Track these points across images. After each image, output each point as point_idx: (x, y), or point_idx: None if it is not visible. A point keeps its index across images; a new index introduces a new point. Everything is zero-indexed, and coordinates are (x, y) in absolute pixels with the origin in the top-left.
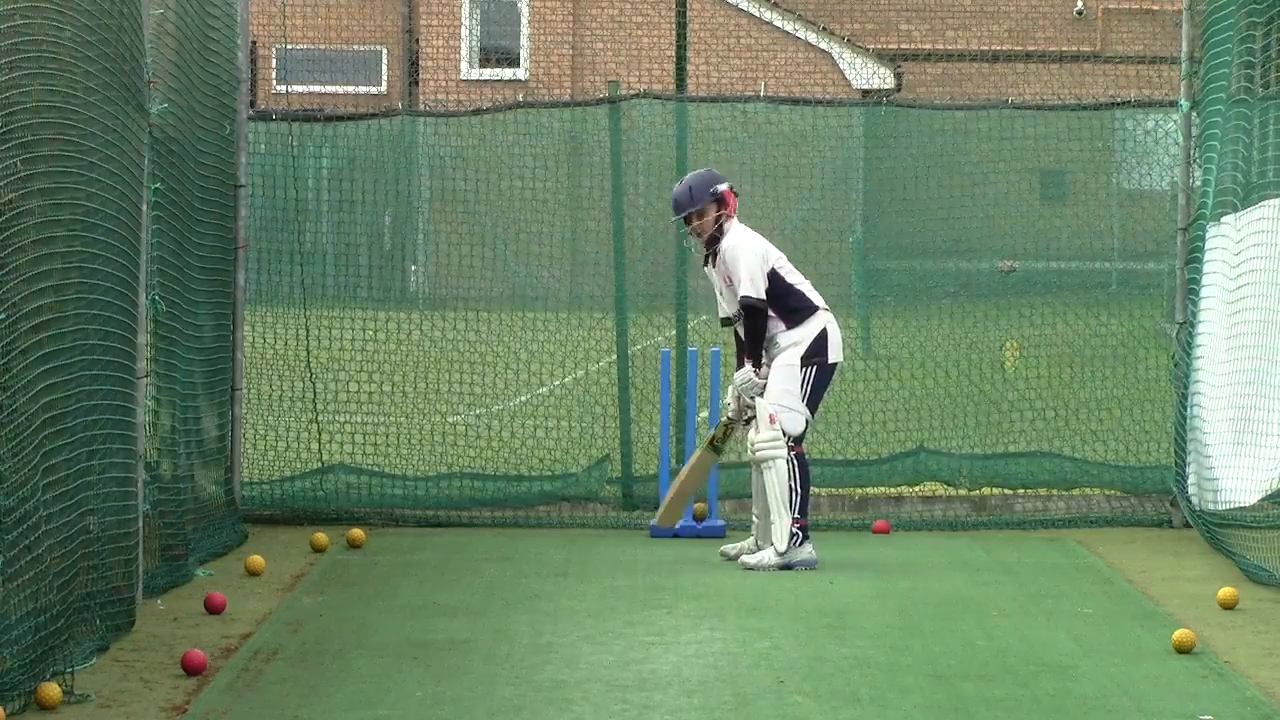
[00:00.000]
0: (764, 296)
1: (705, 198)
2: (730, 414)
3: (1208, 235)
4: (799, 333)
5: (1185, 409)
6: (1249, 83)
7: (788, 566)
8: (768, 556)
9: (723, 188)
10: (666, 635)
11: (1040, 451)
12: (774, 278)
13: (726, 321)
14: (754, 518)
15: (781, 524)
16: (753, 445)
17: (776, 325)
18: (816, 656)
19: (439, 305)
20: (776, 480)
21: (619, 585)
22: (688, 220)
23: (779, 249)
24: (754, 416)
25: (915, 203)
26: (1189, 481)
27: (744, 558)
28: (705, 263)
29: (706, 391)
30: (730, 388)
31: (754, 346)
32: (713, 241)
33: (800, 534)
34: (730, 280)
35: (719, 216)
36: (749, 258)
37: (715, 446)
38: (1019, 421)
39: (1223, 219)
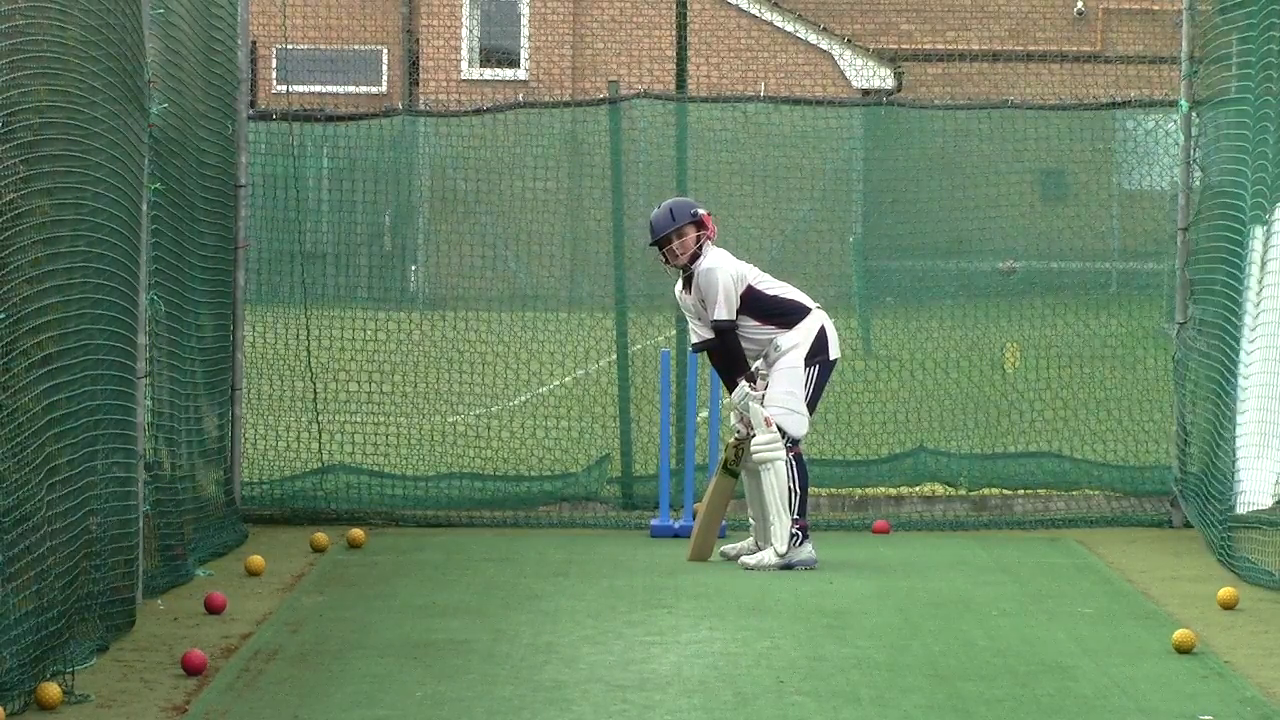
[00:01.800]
0: (733, 318)
1: (686, 218)
2: (738, 434)
3: (1250, 235)
4: (798, 334)
5: (1185, 409)
6: (1270, 81)
7: (788, 567)
8: (768, 557)
9: (702, 211)
10: (666, 635)
11: (1040, 451)
12: (752, 295)
13: (698, 348)
14: (750, 519)
15: (782, 525)
16: (752, 447)
17: (773, 331)
18: (816, 656)
19: (439, 305)
20: (776, 482)
21: (619, 585)
22: (664, 243)
23: (779, 249)
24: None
25: (915, 203)
26: (1239, 485)
27: (744, 558)
28: (681, 287)
29: (706, 391)
30: (732, 411)
31: (736, 364)
32: (690, 264)
33: (800, 534)
34: (704, 302)
35: (699, 238)
36: (725, 280)
37: (730, 470)
38: (1019, 421)
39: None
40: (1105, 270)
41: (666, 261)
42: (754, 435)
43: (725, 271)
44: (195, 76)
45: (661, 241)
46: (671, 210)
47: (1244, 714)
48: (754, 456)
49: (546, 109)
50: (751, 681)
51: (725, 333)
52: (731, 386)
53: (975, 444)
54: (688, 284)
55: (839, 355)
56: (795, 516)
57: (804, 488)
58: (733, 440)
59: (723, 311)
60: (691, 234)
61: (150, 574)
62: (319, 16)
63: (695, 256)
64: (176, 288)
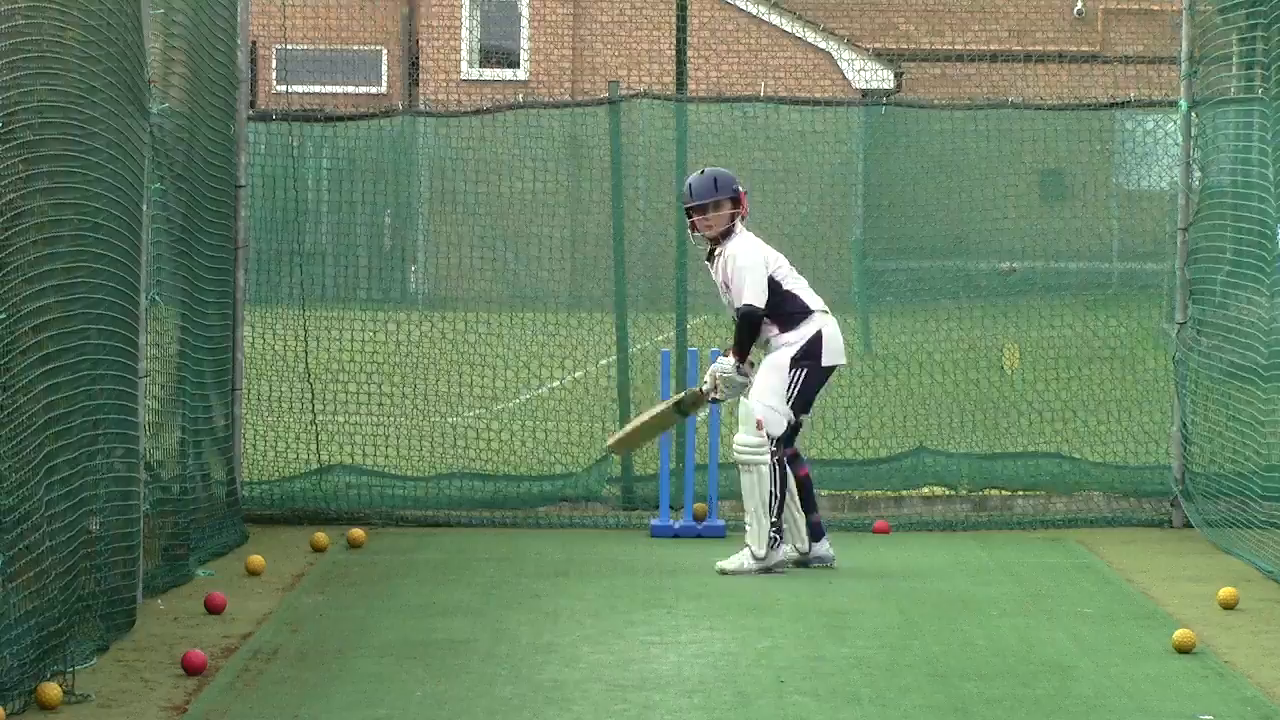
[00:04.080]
0: (763, 305)
1: (728, 191)
2: (705, 388)
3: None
4: (793, 335)
5: (1186, 408)
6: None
7: (768, 570)
8: (746, 561)
9: (743, 189)
10: (666, 635)
11: (1040, 452)
12: (772, 285)
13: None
14: (746, 524)
15: (760, 528)
16: (736, 446)
17: (770, 329)
18: (816, 656)
19: (439, 305)
20: (759, 485)
21: (619, 585)
22: (699, 211)
23: (779, 249)
24: (719, 400)
25: (915, 203)
26: None
27: (721, 562)
28: (709, 258)
29: None
30: (711, 369)
31: (744, 346)
32: (719, 240)
33: (777, 537)
34: (729, 285)
35: (733, 215)
36: (754, 265)
37: (681, 409)
38: (1019, 421)
39: None
40: (1105, 270)
41: (694, 229)
42: (712, 399)
43: (752, 257)
44: (195, 76)
45: (696, 209)
46: (715, 180)
47: (1244, 714)
48: (738, 457)
49: (546, 109)
50: (751, 681)
51: (749, 317)
52: (729, 354)
53: (975, 444)
54: (711, 258)
55: (840, 363)
56: (773, 519)
57: (784, 491)
58: (697, 389)
59: (749, 296)
60: (727, 209)
61: (150, 574)
62: (319, 16)
63: (725, 234)
64: (186, 287)
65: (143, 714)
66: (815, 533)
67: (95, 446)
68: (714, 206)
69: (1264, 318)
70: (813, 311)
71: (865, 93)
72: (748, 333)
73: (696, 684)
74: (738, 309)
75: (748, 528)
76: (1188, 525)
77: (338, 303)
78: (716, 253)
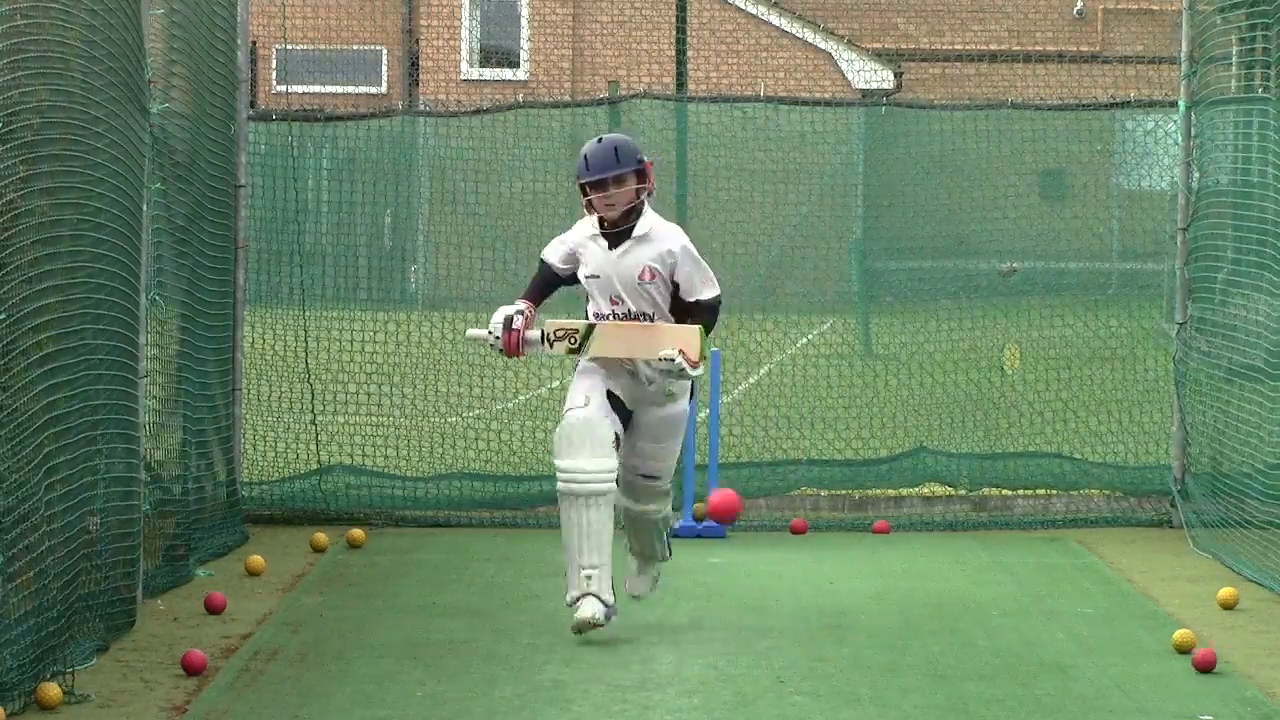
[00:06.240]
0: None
1: (632, 163)
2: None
3: None
4: (686, 382)
5: (1186, 408)
6: None
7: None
8: (655, 579)
9: (647, 159)
10: (666, 635)
11: (1040, 451)
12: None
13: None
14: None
15: (663, 547)
16: (653, 512)
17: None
18: (816, 656)
19: (439, 306)
20: (666, 526)
21: (619, 585)
22: (597, 188)
23: (779, 249)
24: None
25: (915, 203)
26: None
27: (632, 591)
28: (604, 246)
29: (705, 392)
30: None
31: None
32: (623, 220)
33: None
34: (653, 274)
35: (640, 190)
36: (696, 254)
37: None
38: (1019, 421)
39: None
40: (1105, 270)
41: (590, 208)
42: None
43: (691, 246)
44: (195, 76)
45: (594, 185)
46: (616, 149)
47: (1244, 714)
48: (656, 519)
49: (546, 109)
50: (751, 681)
51: (716, 309)
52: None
53: (975, 444)
54: (613, 241)
55: None
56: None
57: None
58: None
59: (714, 286)
60: (632, 183)
61: (150, 574)
62: (319, 16)
63: (630, 213)
64: (186, 287)
65: (143, 714)
66: None
67: (95, 447)
68: (615, 182)
69: (1268, 316)
70: None
71: (865, 93)
72: (712, 328)
73: (696, 684)
74: (709, 301)
75: (648, 559)
76: (1188, 525)
77: (338, 303)
78: (634, 237)
